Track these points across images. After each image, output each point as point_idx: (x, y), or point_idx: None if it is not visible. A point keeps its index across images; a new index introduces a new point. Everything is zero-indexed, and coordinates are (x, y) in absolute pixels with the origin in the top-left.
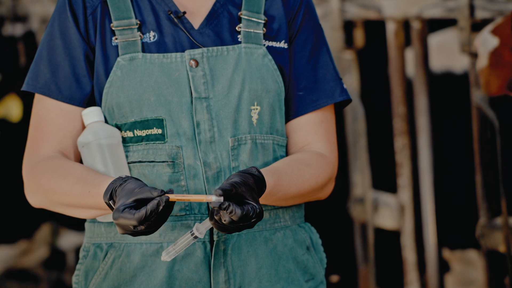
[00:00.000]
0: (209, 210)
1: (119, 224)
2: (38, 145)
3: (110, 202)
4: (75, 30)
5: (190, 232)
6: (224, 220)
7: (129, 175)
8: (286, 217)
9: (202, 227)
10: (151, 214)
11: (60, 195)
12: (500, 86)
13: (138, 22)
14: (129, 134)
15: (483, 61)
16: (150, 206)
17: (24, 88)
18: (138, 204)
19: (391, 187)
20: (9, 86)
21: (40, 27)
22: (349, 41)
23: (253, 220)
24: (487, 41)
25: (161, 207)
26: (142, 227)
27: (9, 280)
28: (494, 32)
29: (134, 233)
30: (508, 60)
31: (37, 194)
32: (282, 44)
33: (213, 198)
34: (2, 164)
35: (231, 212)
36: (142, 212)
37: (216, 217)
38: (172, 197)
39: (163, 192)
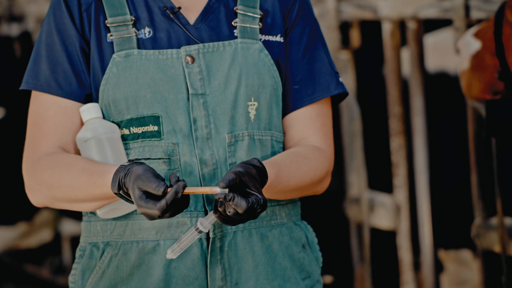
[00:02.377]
0: (213, 203)
1: (144, 214)
2: (38, 142)
3: (120, 192)
4: (71, 26)
5: (195, 227)
6: (229, 212)
7: None
8: (283, 215)
9: (206, 221)
10: (172, 203)
11: (65, 189)
12: (481, 90)
13: (133, 18)
14: (125, 131)
15: (465, 64)
16: (169, 196)
17: (23, 86)
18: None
19: (387, 187)
20: (5, 86)
21: (36, 27)
22: (345, 41)
23: (258, 211)
24: (469, 44)
25: (179, 195)
26: (167, 215)
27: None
28: (477, 35)
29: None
30: (490, 63)
31: (39, 191)
32: (278, 38)
33: (218, 190)
34: (5, 146)
35: (236, 204)
36: (162, 203)
37: (220, 209)
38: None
39: (166, 187)
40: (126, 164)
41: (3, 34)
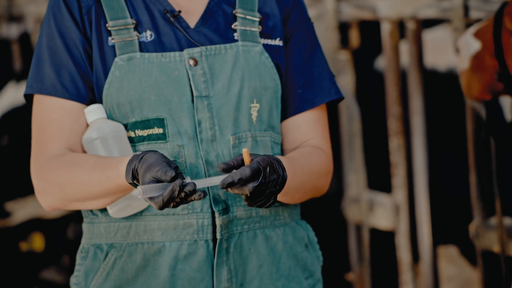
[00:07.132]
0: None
1: (151, 200)
2: (44, 145)
3: (135, 182)
4: (74, 28)
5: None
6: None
7: None
8: (285, 215)
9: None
10: (169, 200)
11: (78, 187)
12: (481, 90)
13: (134, 21)
14: (131, 134)
15: (464, 64)
16: (166, 193)
17: (28, 91)
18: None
19: (386, 187)
20: (3, 86)
21: (35, 27)
22: (344, 42)
23: (270, 178)
24: (469, 44)
25: (176, 194)
26: (170, 206)
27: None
28: (476, 35)
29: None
30: (489, 64)
31: (51, 193)
32: (278, 42)
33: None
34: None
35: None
36: (159, 199)
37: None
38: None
39: (174, 174)
40: (139, 153)
41: (2, 35)
